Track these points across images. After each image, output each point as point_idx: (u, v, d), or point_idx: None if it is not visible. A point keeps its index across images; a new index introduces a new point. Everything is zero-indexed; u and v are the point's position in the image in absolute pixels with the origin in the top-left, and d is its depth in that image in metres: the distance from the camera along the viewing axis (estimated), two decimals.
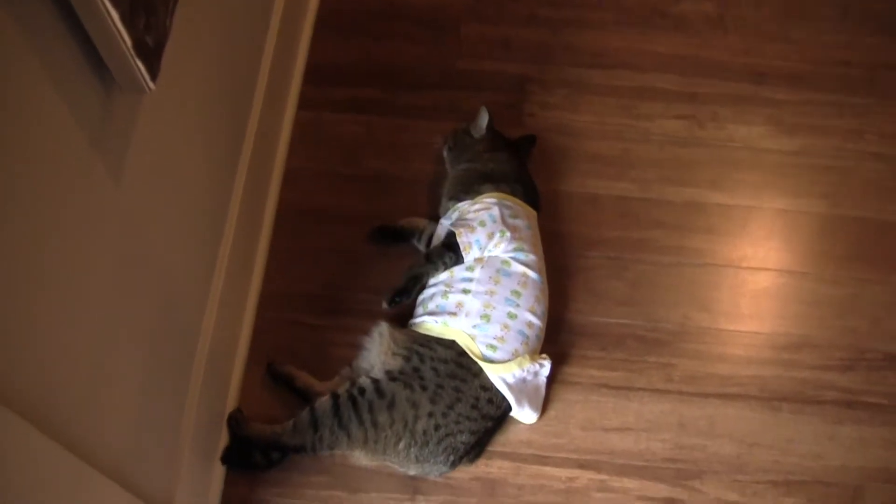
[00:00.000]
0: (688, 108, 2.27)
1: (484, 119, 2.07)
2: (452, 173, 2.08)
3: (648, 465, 1.93)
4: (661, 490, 1.91)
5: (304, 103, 2.25)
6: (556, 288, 1.98)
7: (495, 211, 1.92)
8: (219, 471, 1.86)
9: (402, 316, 1.96)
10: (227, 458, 1.86)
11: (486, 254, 1.89)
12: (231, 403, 1.92)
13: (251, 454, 1.86)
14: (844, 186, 2.19)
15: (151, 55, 1.17)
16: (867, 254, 2.12)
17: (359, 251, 2.09)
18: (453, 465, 1.84)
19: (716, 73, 2.31)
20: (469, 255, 1.89)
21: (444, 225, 2.00)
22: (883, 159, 2.22)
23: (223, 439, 1.88)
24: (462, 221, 1.94)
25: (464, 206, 1.98)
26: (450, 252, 1.91)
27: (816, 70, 2.32)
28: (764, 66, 2.32)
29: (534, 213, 2.02)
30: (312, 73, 2.29)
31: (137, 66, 1.14)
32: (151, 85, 1.19)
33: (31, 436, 1.02)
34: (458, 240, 1.89)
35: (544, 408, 1.93)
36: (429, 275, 1.94)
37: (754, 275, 2.10)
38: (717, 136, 2.24)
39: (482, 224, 1.91)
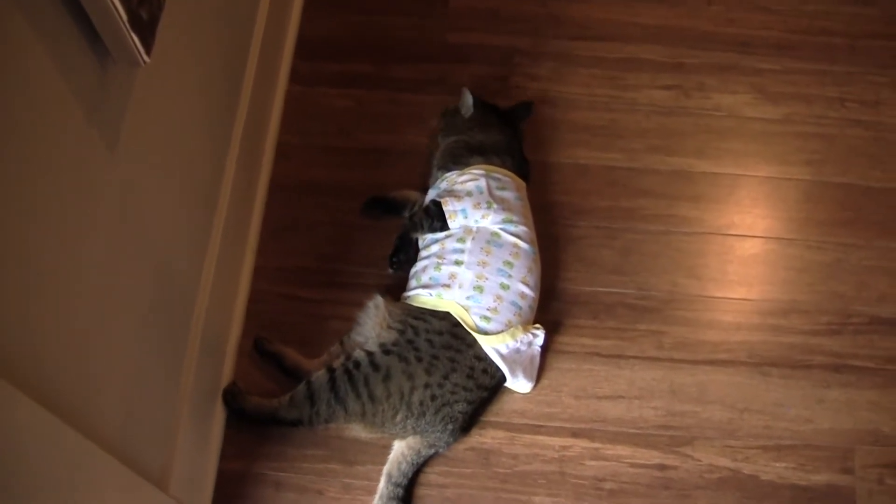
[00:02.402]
0: (674, 78, 2.28)
1: (468, 99, 2.08)
2: (443, 145, 2.08)
3: (641, 432, 1.95)
4: (653, 457, 1.93)
5: (295, 78, 2.26)
6: (547, 257, 2.00)
7: (482, 182, 1.94)
8: (215, 445, 1.87)
9: (397, 288, 1.97)
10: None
11: (474, 225, 1.90)
12: (226, 377, 1.92)
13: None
14: (828, 153, 2.21)
15: (146, 28, 1.18)
16: (851, 219, 2.14)
17: (352, 224, 2.10)
18: (453, 434, 1.85)
19: (700, 43, 2.32)
20: (455, 223, 1.90)
21: (431, 194, 2.01)
22: (864, 126, 2.24)
23: (219, 413, 1.89)
24: (449, 191, 1.95)
25: (452, 175, 1.99)
26: (429, 217, 1.93)
27: (799, 39, 2.34)
28: (748, 36, 2.33)
29: (523, 184, 2.03)
30: (303, 48, 2.30)
31: (132, 39, 1.15)
32: (146, 58, 1.19)
33: (27, 406, 1.02)
34: (445, 208, 1.90)
35: (537, 377, 1.94)
36: (415, 234, 1.97)
37: (741, 242, 2.12)
38: (702, 106, 2.25)
39: (469, 194, 1.92)
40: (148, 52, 1.19)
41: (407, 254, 2.00)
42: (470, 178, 1.95)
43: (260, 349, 1.97)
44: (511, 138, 2.09)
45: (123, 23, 1.11)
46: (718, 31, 2.34)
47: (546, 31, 2.33)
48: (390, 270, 2.01)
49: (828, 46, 2.33)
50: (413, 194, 2.09)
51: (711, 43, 2.32)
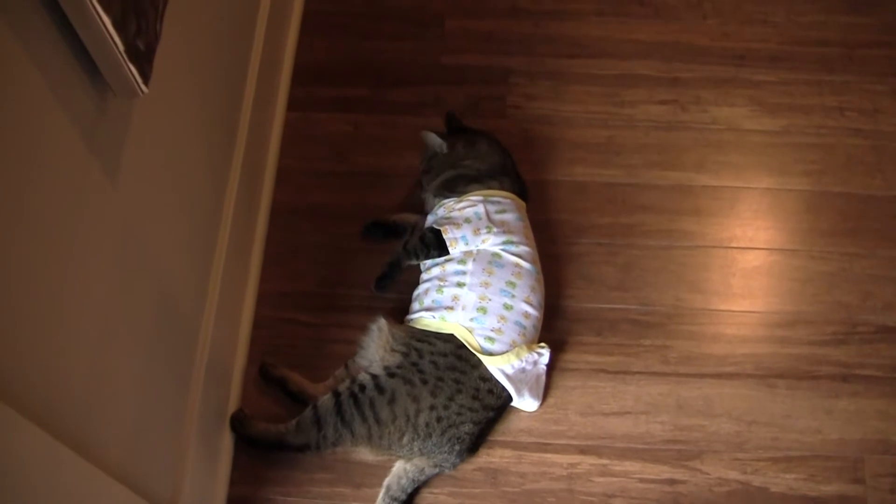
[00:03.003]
0: (670, 93, 2.28)
1: (433, 140, 2.04)
2: (438, 181, 2.04)
3: (649, 447, 1.94)
4: (662, 472, 1.92)
5: (292, 104, 2.27)
6: (549, 275, 1.99)
7: (480, 208, 1.94)
8: (224, 470, 1.87)
9: (400, 311, 1.97)
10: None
11: (474, 248, 1.90)
12: (233, 403, 1.93)
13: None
14: (828, 163, 2.21)
15: (143, 59, 1.19)
16: (853, 228, 2.14)
17: (353, 247, 2.11)
18: (460, 455, 1.85)
19: (696, 57, 2.33)
20: (456, 250, 1.90)
21: (429, 220, 2.01)
22: (863, 135, 2.24)
23: (226, 439, 1.89)
24: (447, 218, 1.95)
25: (449, 202, 1.99)
26: (424, 246, 1.93)
27: (795, 50, 2.34)
28: (743, 49, 2.34)
29: (523, 204, 2.03)
30: (300, 74, 2.31)
31: (130, 70, 1.16)
32: (144, 88, 1.20)
33: (34, 434, 1.02)
34: (445, 236, 1.90)
35: (544, 395, 1.94)
36: (408, 262, 1.98)
37: (744, 254, 2.12)
38: (700, 120, 2.26)
39: (468, 221, 1.92)
40: (146, 83, 1.20)
41: (394, 280, 2.00)
42: (468, 205, 1.95)
43: (265, 374, 1.97)
44: (504, 157, 2.08)
45: (121, 53, 1.12)
46: (714, 44, 2.35)
47: (541, 50, 2.34)
48: (375, 291, 2.01)
49: (824, 56, 2.33)
50: (412, 217, 2.09)
51: (707, 57, 2.33)
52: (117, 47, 1.10)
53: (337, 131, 2.25)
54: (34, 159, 1.04)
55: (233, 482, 1.89)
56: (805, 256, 2.12)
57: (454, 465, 1.87)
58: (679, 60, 2.32)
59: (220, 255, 1.81)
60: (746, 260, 2.12)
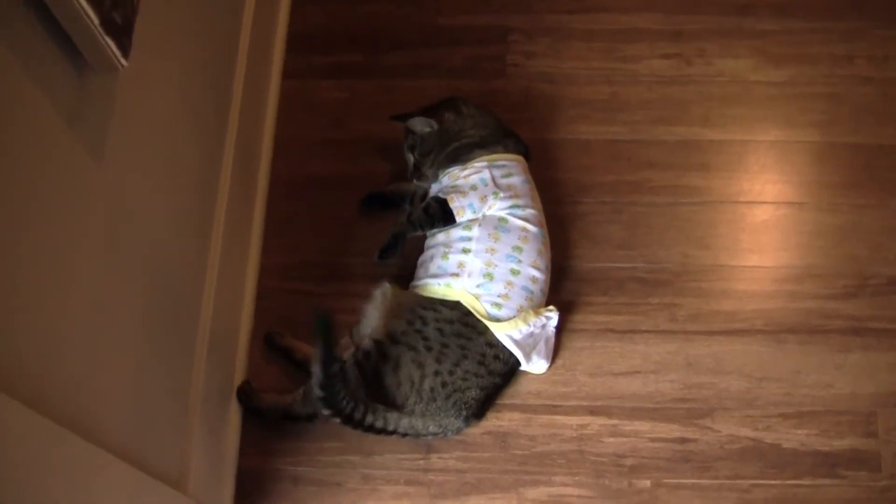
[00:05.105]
0: (673, 47, 2.24)
1: (421, 122, 1.98)
2: (443, 155, 1.99)
3: (658, 406, 1.93)
4: (673, 430, 1.91)
5: (288, 72, 2.25)
6: (554, 236, 1.97)
7: (486, 174, 1.91)
8: (232, 443, 1.88)
9: (404, 278, 1.96)
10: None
11: (480, 214, 1.88)
12: (239, 375, 1.93)
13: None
14: (836, 113, 2.17)
15: (121, 32, 1.16)
16: (863, 179, 2.11)
17: (354, 216, 2.10)
18: (467, 420, 1.84)
19: (699, 8, 2.28)
20: (463, 218, 1.88)
21: (434, 189, 1.99)
22: (873, 83, 2.20)
23: (235, 411, 1.89)
24: (452, 187, 1.93)
25: (454, 170, 1.97)
26: (429, 217, 1.91)
27: None
28: None
29: (526, 164, 2.00)
30: (294, 42, 2.28)
31: (107, 44, 1.13)
32: (123, 62, 1.18)
33: (25, 415, 1.01)
34: (451, 205, 1.88)
35: (552, 357, 1.93)
36: (412, 233, 1.96)
37: (752, 209, 2.09)
38: (705, 73, 2.22)
39: (473, 188, 1.90)
40: (125, 56, 1.18)
41: (397, 251, 1.97)
42: (473, 172, 1.93)
43: (271, 343, 1.97)
44: (497, 118, 2.04)
45: (96, 27, 1.09)
46: None
47: (538, 6, 2.30)
48: (378, 262, 1.98)
49: (830, 3, 2.28)
50: (410, 185, 2.06)
51: (710, 7, 2.28)
52: (92, 21, 1.08)
53: (334, 98, 2.22)
54: (11, 142, 1.02)
55: (242, 454, 1.90)
56: (814, 209, 2.08)
57: (459, 430, 1.87)
58: (681, 12, 2.27)
59: (219, 228, 1.79)
60: (754, 214, 2.09)
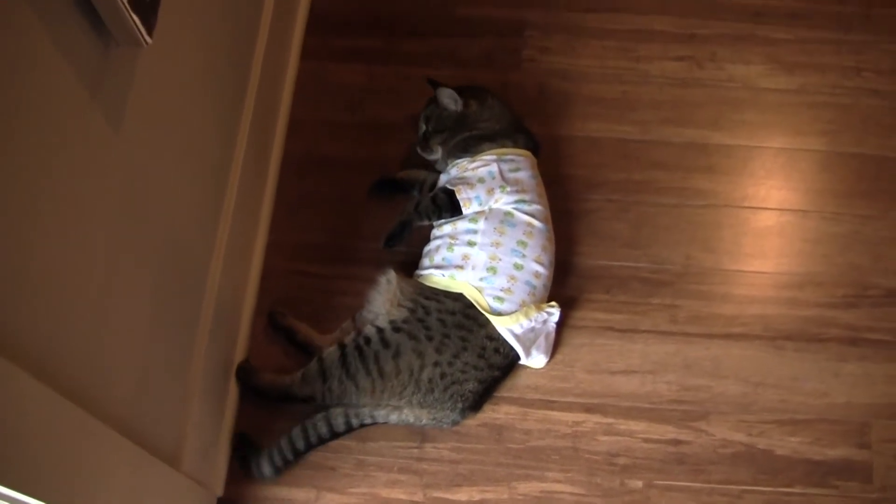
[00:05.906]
0: (686, 49, 2.25)
1: (450, 96, 2.00)
2: (451, 143, 2.02)
3: (654, 407, 1.94)
4: (667, 432, 1.92)
5: (306, 53, 2.25)
6: (560, 231, 1.98)
7: (494, 168, 1.91)
8: (229, 422, 1.88)
9: (410, 264, 1.96)
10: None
11: (487, 208, 1.89)
12: (240, 353, 1.93)
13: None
14: (843, 123, 2.18)
15: (147, 9, 1.17)
16: (867, 190, 2.12)
17: (364, 199, 2.10)
18: (463, 413, 1.85)
19: (713, 13, 2.28)
20: (469, 210, 1.89)
21: (442, 180, 2.00)
22: (880, 95, 2.21)
23: (232, 390, 1.89)
24: (460, 179, 1.93)
25: (462, 162, 1.97)
26: (437, 208, 1.92)
27: (813, 8, 2.30)
28: (761, 6, 2.29)
29: (535, 160, 2.01)
30: (314, 24, 2.28)
31: (133, 20, 1.14)
32: (148, 39, 1.19)
33: (31, 386, 1.02)
34: (459, 196, 1.89)
35: (552, 352, 1.94)
36: (419, 223, 1.96)
37: (756, 214, 2.10)
38: (716, 77, 2.23)
39: (481, 181, 1.90)
40: (150, 33, 1.19)
41: (403, 238, 1.99)
42: (482, 164, 1.93)
43: (274, 322, 1.98)
44: (514, 113, 2.06)
45: (124, 4, 1.10)
46: (731, 1, 2.30)
47: (557, 3, 2.30)
48: (384, 248, 2.00)
49: (842, 15, 2.29)
50: (421, 173, 2.07)
51: (724, 13, 2.28)
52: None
53: (351, 82, 2.23)
54: (35, 111, 1.03)
55: (237, 433, 1.90)
56: (817, 217, 2.09)
57: (454, 423, 1.87)
58: (696, 16, 2.28)
59: (230, 204, 1.80)
60: (758, 220, 2.10)
